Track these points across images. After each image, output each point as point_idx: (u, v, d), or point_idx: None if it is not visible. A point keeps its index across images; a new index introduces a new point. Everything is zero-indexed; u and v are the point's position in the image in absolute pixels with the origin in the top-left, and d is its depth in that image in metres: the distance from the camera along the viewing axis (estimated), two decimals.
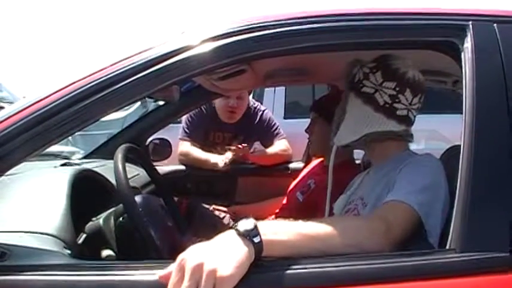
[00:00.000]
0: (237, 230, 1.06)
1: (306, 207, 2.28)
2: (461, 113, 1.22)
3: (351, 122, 1.61)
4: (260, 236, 1.05)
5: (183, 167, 3.13)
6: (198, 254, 1.01)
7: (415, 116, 1.61)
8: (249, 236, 1.04)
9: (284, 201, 2.58)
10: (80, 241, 1.50)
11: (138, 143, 2.45)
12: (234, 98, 3.04)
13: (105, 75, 1.27)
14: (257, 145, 3.30)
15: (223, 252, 1.01)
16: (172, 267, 1.02)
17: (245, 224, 1.06)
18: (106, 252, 1.48)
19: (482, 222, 1.12)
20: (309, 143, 2.56)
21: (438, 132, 4.88)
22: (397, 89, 1.55)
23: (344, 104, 1.64)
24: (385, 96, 1.55)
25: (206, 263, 0.98)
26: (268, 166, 3.12)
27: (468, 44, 1.26)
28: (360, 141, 1.60)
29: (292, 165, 3.14)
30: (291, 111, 5.24)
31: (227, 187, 3.04)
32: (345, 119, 1.62)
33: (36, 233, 1.30)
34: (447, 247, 1.12)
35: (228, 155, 2.94)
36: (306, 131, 2.47)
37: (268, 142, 3.19)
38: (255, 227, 1.06)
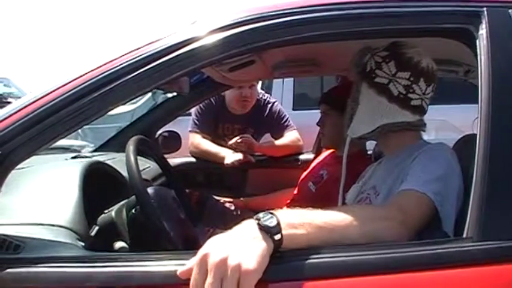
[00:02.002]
0: (259, 224, 1.04)
1: (319, 198, 2.27)
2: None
3: (364, 114, 1.58)
4: (281, 233, 1.04)
5: (193, 159, 3.13)
6: (221, 249, 0.99)
7: (428, 105, 1.59)
8: (270, 233, 1.03)
9: (295, 192, 2.57)
10: (93, 233, 1.50)
11: (147, 136, 2.44)
12: (246, 88, 3.03)
13: (115, 67, 1.27)
14: (266, 137, 3.30)
15: (245, 246, 1.00)
16: (193, 263, 1.01)
17: (268, 221, 1.04)
18: (119, 244, 1.48)
19: (499, 211, 1.11)
20: (321, 136, 2.54)
21: (448, 123, 4.87)
22: (412, 79, 1.53)
23: (356, 94, 1.61)
24: (400, 86, 1.53)
25: (230, 258, 0.97)
26: (279, 158, 3.11)
27: (483, 30, 1.24)
28: (375, 132, 1.58)
29: (302, 157, 3.14)
30: (300, 102, 5.25)
31: (238, 179, 3.04)
32: (358, 110, 1.60)
33: (49, 225, 1.30)
34: (464, 236, 1.11)
35: (238, 156, 2.93)
36: (317, 124, 2.46)
37: (278, 134, 3.18)
38: (278, 224, 1.04)
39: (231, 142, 2.98)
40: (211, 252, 0.99)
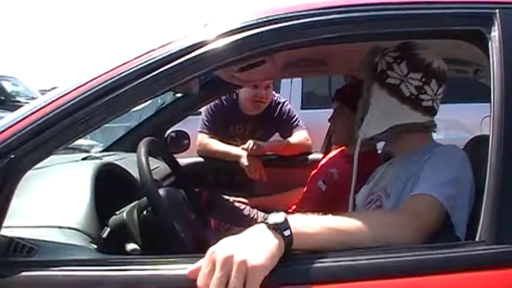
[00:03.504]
0: (267, 223, 1.06)
1: (329, 197, 2.26)
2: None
3: (376, 114, 1.58)
4: (290, 229, 1.05)
5: (202, 159, 3.13)
6: (229, 247, 1.01)
7: (438, 106, 1.59)
8: (279, 229, 1.04)
9: (304, 190, 2.56)
10: (104, 235, 1.51)
11: (156, 136, 2.44)
12: (262, 88, 3.03)
13: (128, 70, 1.27)
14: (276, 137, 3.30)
15: (254, 244, 1.02)
16: (202, 261, 1.02)
17: (275, 218, 1.06)
18: (131, 246, 1.48)
19: None
20: (332, 133, 2.53)
21: (457, 122, 4.85)
22: (423, 80, 1.53)
23: (367, 95, 1.60)
24: (411, 87, 1.53)
25: (237, 255, 0.99)
26: (288, 157, 3.11)
27: (495, 32, 1.23)
28: (386, 133, 1.58)
29: (311, 156, 3.14)
30: (308, 102, 5.24)
31: (247, 179, 3.03)
32: (369, 111, 1.59)
33: (62, 227, 1.31)
34: (477, 239, 1.10)
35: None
36: (329, 120, 2.46)
37: (288, 133, 3.18)
38: (286, 220, 1.06)
39: (244, 147, 2.98)
40: (219, 249, 1.01)
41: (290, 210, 2.42)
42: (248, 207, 2.88)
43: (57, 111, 1.23)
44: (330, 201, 2.18)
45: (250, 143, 2.95)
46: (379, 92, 1.57)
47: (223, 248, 1.01)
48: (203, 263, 1.02)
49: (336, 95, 2.46)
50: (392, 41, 1.54)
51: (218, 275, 0.98)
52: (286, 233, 1.04)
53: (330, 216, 1.13)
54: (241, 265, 0.98)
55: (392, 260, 1.07)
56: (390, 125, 1.56)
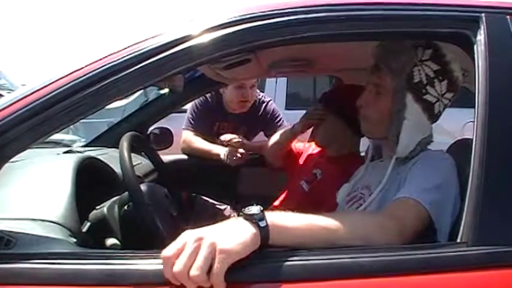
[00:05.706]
0: (243, 214, 1.06)
1: (312, 197, 2.24)
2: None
3: (410, 131, 1.48)
4: (266, 221, 1.05)
5: (184, 157, 3.12)
6: (202, 230, 1.02)
7: None
8: (254, 219, 1.04)
9: (286, 191, 2.54)
10: (84, 229, 1.49)
11: (139, 132, 2.42)
12: (247, 88, 3.04)
13: (111, 62, 1.25)
14: (260, 136, 3.30)
15: (227, 231, 1.03)
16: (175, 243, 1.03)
17: (251, 209, 1.07)
18: (111, 241, 1.47)
19: (494, 215, 1.11)
20: (313, 134, 2.47)
21: (440, 126, 4.87)
22: (452, 99, 1.51)
23: (401, 107, 1.47)
24: (442, 106, 1.50)
25: (208, 237, 1.00)
26: None
27: (481, 36, 1.24)
28: (415, 150, 1.49)
29: None
30: (293, 102, 5.24)
31: (229, 177, 3.03)
32: (404, 126, 1.47)
33: (41, 220, 1.29)
34: (458, 240, 1.11)
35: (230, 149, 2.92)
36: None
37: (271, 133, 3.17)
38: (261, 211, 1.06)
39: (222, 138, 2.97)
40: (192, 231, 1.02)
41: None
42: (228, 207, 2.87)
43: (40, 100, 1.21)
44: (313, 201, 2.17)
45: (232, 136, 2.95)
46: (414, 107, 1.47)
47: (196, 231, 1.02)
48: (174, 243, 1.02)
49: (324, 100, 2.36)
50: (378, 41, 1.53)
51: (186, 253, 0.99)
52: (262, 223, 1.04)
53: (310, 214, 1.13)
54: (211, 246, 0.98)
55: (372, 259, 1.07)
56: (418, 142, 1.49)
